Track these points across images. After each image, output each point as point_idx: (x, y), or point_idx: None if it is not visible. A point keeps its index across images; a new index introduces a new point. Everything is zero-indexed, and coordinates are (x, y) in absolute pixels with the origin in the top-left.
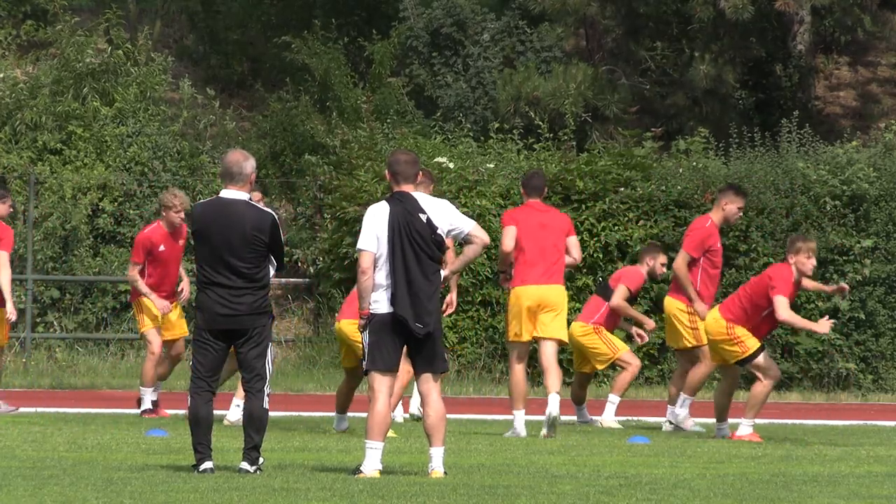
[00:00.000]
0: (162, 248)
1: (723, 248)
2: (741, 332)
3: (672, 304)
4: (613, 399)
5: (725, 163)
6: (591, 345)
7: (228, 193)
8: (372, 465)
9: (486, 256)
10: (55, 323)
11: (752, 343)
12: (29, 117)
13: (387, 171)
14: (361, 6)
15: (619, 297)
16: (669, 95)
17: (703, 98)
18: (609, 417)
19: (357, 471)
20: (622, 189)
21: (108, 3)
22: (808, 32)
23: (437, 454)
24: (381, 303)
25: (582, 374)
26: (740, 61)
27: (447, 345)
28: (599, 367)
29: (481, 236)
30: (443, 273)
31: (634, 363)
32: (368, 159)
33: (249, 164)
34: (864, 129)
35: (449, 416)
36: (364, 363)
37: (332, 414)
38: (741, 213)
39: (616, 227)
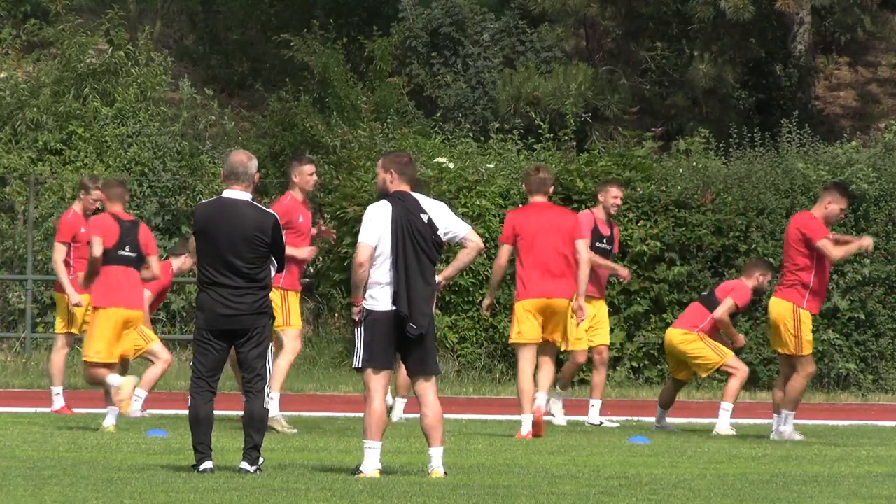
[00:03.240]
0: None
1: (723, 248)
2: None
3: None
4: (726, 406)
5: (725, 163)
6: (696, 352)
7: (231, 193)
8: (371, 464)
9: (485, 256)
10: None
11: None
12: (30, 117)
13: (387, 171)
14: (361, 7)
15: (724, 311)
16: (669, 96)
17: (704, 98)
18: (724, 425)
19: (357, 471)
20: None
21: (110, 4)
22: (808, 32)
23: (436, 454)
24: (382, 301)
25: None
26: (740, 61)
27: (447, 345)
28: (703, 373)
29: (476, 241)
30: (437, 278)
31: (742, 368)
32: (368, 159)
33: (253, 165)
34: (864, 129)
35: (449, 416)
36: (357, 361)
37: (332, 414)
38: (843, 215)
39: None
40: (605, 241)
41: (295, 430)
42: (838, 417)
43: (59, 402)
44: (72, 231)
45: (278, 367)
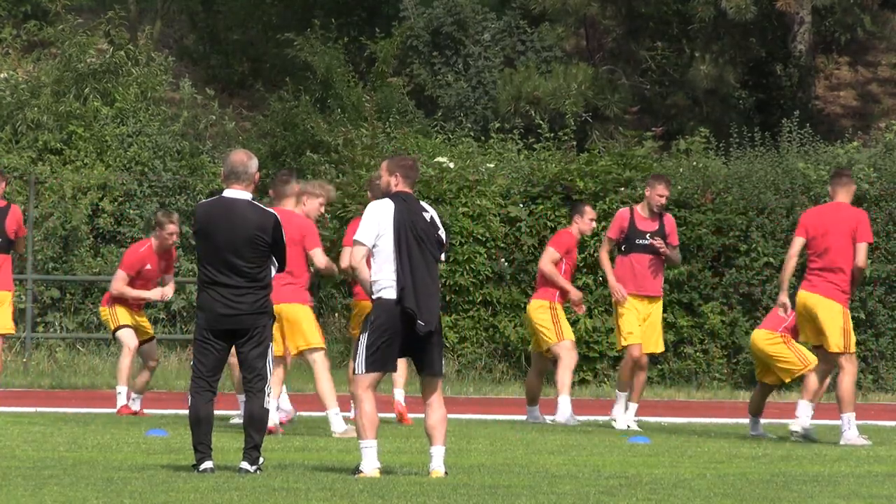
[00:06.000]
0: None
1: (723, 248)
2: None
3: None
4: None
5: (726, 163)
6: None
7: (232, 193)
8: (370, 463)
9: (485, 256)
10: (55, 323)
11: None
12: (30, 117)
13: (392, 174)
14: (362, 6)
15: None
16: (670, 95)
17: (704, 98)
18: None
19: (357, 471)
20: (622, 189)
21: (110, 4)
22: (808, 32)
23: (437, 454)
24: (388, 307)
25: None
26: (741, 61)
27: (447, 344)
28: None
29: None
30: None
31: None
32: (371, 158)
33: (253, 164)
34: (864, 129)
35: (449, 415)
36: (361, 367)
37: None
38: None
39: None
40: (647, 236)
41: None
42: (838, 417)
43: (133, 404)
44: (139, 265)
45: (563, 374)
